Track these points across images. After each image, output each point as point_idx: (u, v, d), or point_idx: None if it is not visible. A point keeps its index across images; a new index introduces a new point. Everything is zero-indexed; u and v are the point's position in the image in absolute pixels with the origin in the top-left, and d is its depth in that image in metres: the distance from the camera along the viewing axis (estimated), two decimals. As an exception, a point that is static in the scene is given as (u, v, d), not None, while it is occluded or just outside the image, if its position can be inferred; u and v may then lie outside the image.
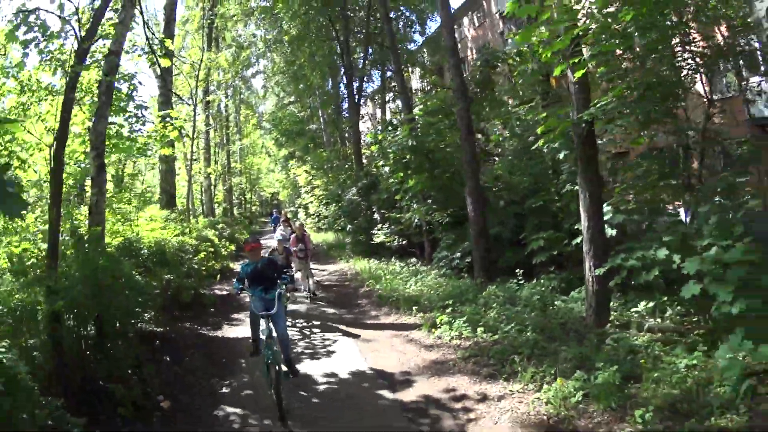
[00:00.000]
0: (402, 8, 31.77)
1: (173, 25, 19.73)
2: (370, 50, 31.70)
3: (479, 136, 18.88)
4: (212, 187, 35.56)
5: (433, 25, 34.91)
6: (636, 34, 8.71)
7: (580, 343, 8.09)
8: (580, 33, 8.05)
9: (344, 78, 31.90)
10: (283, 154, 42.36)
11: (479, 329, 9.57)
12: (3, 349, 5.07)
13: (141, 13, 11.81)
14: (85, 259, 7.04)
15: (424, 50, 35.10)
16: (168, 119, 13.31)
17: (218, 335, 10.93)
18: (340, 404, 7.33)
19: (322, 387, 8.08)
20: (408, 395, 7.54)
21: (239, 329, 11.47)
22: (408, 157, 16.99)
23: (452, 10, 18.62)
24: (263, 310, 7.59)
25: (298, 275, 14.35)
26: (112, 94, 9.79)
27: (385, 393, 7.70)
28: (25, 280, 6.61)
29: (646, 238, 9.36)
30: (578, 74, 8.76)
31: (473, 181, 14.30)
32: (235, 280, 8.42)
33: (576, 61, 8.43)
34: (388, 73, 33.75)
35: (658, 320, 8.65)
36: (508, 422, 6.32)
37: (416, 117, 18.05)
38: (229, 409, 7.22)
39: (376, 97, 40.27)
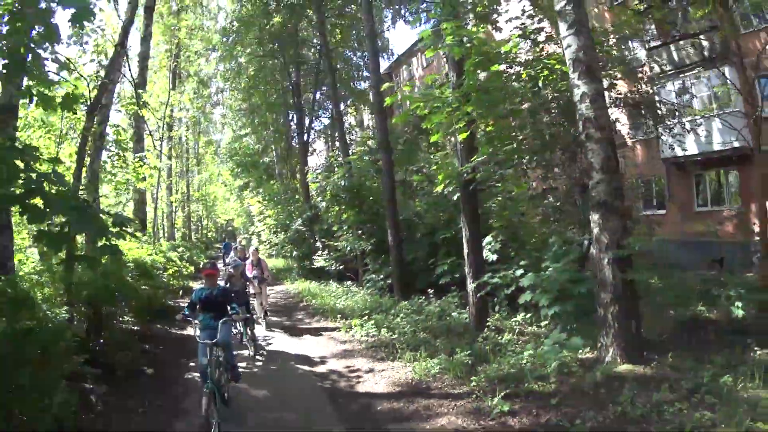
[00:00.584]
0: (348, 53, 34.06)
1: (146, 72, 22.05)
2: (318, 93, 34.28)
3: (403, 178, 22.09)
4: (173, 214, 38.14)
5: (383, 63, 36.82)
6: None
7: (459, 341, 10.87)
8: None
9: (295, 117, 34.48)
10: (238, 184, 42.90)
11: (383, 330, 12.52)
12: (65, 313, 7.97)
13: (129, 70, 14.80)
14: (103, 267, 9.92)
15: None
16: (144, 160, 16.22)
17: (183, 333, 13.55)
18: (272, 373, 10.15)
19: (259, 363, 11.05)
20: (320, 369, 10.48)
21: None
22: (341, 195, 20.14)
23: (393, 60, 21.78)
24: (208, 339, 7.59)
25: (254, 302, 14.28)
26: (104, 139, 12.61)
27: (304, 367, 10.66)
28: (53, 277, 9.43)
29: (510, 262, 12.55)
30: (462, 137, 11.97)
31: (392, 217, 17.23)
32: (186, 305, 8.22)
33: (460, 126, 11.60)
34: (343, 106, 35.10)
35: (530, 327, 11.51)
36: (384, 383, 9.20)
37: (350, 162, 21.20)
38: (190, 376, 9.82)
39: (327, 132, 41.57)
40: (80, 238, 11.06)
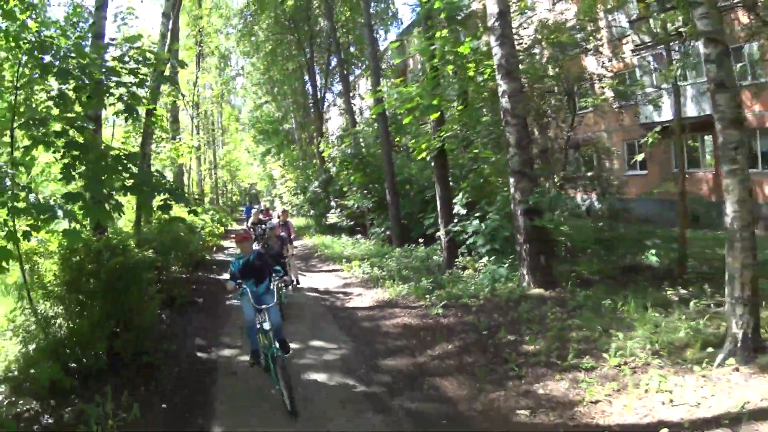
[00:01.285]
0: (358, 30, 34.38)
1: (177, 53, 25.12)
2: (331, 65, 36.29)
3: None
4: (202, 181, 41.63)
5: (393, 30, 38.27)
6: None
7: (430, 275, 14.22)
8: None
9: (310, 89, 37.23)
10: (260, 150, 45.63)
11: (375, 268, 16.02)
12: (152, 254, 11.29)
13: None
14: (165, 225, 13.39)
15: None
16: (182, 139, 19.66)
17: (219, 278, 17.01)
18: (290, 299, 12.79)
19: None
20: (323, 294, 14.03)
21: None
22: (348, 161, 23.49)
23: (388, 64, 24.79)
24: (257, 304, 7.50)
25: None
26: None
27: (314, 294, 14.26)
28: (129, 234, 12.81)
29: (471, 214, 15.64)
30: (433, 116, 15.27)
31: (390, 179, 20.41)
32: (228, 277, 8.03)
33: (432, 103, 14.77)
34: (352, 77, 37.87)
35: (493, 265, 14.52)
36: (367, 301, 12.84)
37: (357, 131, 24.60)
38: (229, 303, 13.04)
39: (338, 102, 42.66)
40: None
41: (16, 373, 6.62)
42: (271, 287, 7.90)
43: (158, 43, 15.82)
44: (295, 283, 13.77)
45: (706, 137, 24.23)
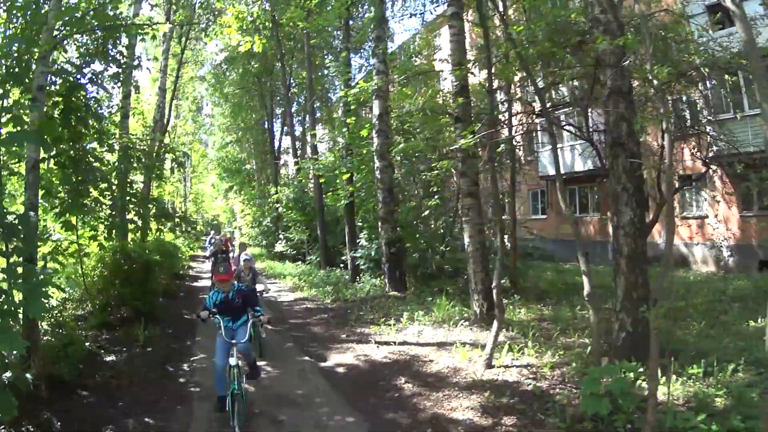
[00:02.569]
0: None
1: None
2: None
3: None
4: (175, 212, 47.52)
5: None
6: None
7: (339, 287, 20.62)
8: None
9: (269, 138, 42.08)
10: (224, 187, 51.24)
11: (301, 281, 22.65)
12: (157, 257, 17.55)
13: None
14: (159, 243, 19.72)
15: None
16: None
17: (194, 285, 23.25)
18: None
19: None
20: (266, 296, 19.84)
21: (202, 281, 24.04)
22: (291, 204, 30.34)
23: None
24: (228, 339, 7.37)
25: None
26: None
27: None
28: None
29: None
30: (344, 176, 22.01)
31: (321, 219, 26.70)
32: (201, 310, 7.77)
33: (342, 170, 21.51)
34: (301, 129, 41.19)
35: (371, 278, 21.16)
36: (291, 299, 19.38)
37: (300, 180, 31.44)
38: (201, 296, 18.77)
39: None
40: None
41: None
42: (248, 325, 7.79)
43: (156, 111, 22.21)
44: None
45: (595, 187, 27.81)
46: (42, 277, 6.11)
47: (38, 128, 7.85)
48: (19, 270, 6.35)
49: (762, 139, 17.52)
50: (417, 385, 8.83)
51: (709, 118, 18.61)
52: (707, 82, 15.08)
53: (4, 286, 5.70)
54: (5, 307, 5.53)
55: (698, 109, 18.11)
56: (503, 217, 22.11)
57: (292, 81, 36.72)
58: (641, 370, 7.12)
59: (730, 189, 19.23)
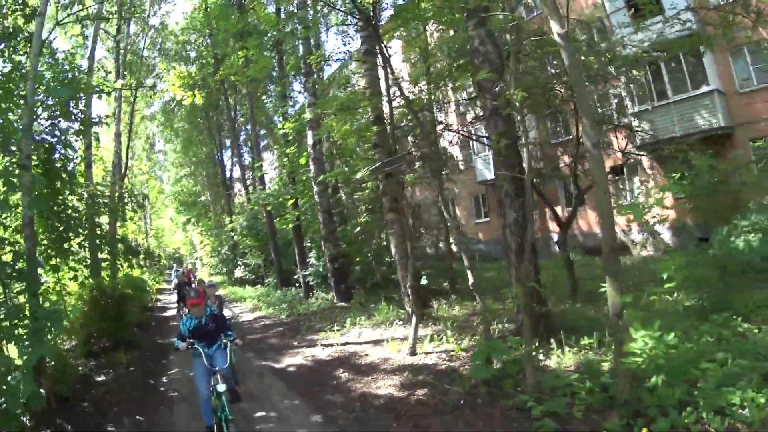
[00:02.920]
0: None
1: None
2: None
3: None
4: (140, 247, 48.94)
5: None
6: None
7: (294, 304, 22.77)
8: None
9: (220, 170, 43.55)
10: (182, 220, 53.46)
11: (260, 302, 24.67)
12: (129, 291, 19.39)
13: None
14: (129, 278, 21.60)
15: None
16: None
17: (164, 315, 24.98)
18: None
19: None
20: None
21: (169, 311, 25.82)
22: (245, 231, 32.36)
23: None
24: (207, 365, 7.44)
25: None
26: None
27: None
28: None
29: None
30: (289, 203, 24.16)
31: (273, 244, 28.72)
32: (176, 339, 7.75)
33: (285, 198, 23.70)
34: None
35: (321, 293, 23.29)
36: (251, 318, 21.43)
37: (252, 208, 33.46)
38: (171, 323, 20.90)
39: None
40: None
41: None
42: (225, 349, 7.83)
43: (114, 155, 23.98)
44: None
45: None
46: (56, 307, 8.20)
47: (39, 194, 9.87)
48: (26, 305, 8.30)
49: (689, 123, 20.34)
50: (352, 374, 10.97)
51: (636, 110, 21.47)
52: (626, 75, 16.14)
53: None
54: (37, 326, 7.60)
55: (619, 103, 20.56)
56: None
57: (237, 112, 38.31)
58: (536, 344, 9.45)
59: (660, 174, 21.11)
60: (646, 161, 22.18)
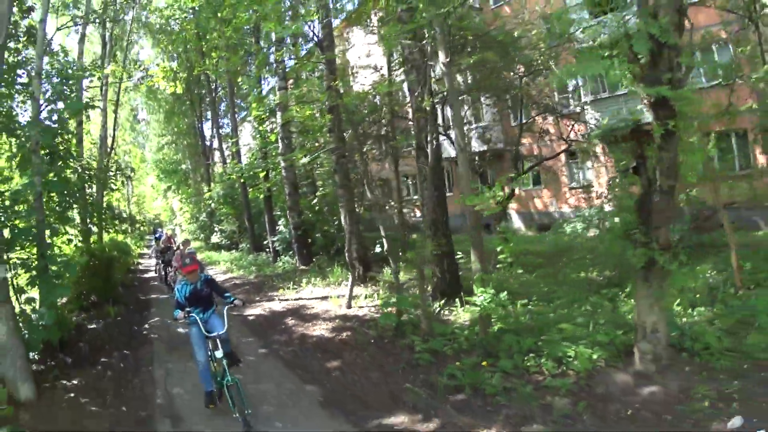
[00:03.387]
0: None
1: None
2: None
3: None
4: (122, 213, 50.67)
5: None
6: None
7: (263, 267, 25.45)
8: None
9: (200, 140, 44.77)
10: (163, 187, 54.40)
11: (234, 265, 27.22)
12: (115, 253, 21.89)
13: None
14: (115, 242, 24.02)
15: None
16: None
17: (145, 276, 27.21)
18: None
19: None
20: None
21: (150, 273, 28.21)
22: (222, 199, 34.81)
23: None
24: (205, 332, 7.53)
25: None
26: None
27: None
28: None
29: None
30: (261, 174, 26.62)
31: (247, 212, 30.81)
32: (175, 308, 7.84)
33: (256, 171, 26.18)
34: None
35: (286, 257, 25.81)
36: (224, 276, 24.11)
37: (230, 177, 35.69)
38: (152, 284, 23.49)
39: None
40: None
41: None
42: (223, 313, 7.86)
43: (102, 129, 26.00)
44: None
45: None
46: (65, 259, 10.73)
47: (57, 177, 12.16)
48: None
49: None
50: (297, 321, 13.67)
51: (586, 101, 24.06)
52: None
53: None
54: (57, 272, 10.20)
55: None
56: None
57: (218, 85, 39.72)
58: (444, 301, 12.79)
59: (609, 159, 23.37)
60: (599, 148, 24.38)
